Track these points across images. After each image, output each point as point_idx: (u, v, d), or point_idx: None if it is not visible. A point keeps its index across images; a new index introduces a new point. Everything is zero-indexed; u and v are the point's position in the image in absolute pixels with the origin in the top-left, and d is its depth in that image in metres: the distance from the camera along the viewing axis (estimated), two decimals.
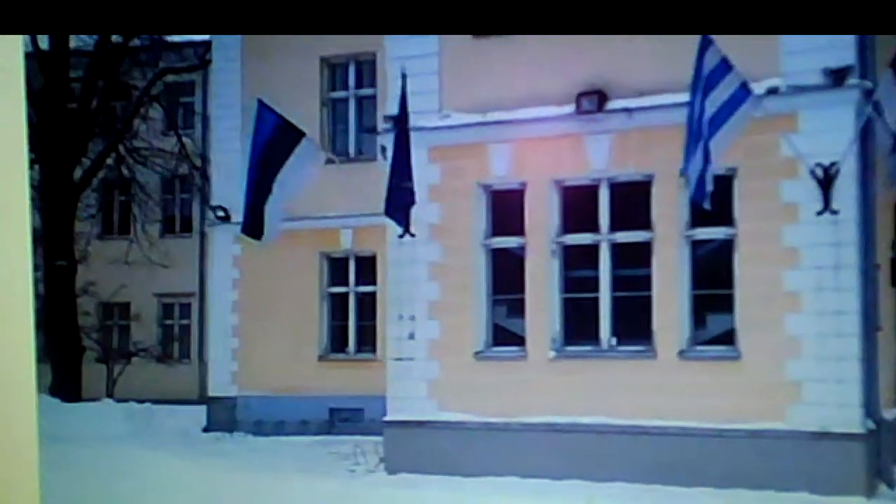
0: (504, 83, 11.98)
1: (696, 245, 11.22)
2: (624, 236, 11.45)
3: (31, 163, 24.13)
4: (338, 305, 19.20)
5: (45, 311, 23.56)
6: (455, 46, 12.22)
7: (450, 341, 12.10)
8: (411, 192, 11.08)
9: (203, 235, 30.61)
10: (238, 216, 19.75)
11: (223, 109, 20.14)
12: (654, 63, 11.15)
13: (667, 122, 10.94)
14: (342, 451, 15.50)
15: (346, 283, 19.16)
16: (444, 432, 11.98)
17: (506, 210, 12.07)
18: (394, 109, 12.47)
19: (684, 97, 10.47)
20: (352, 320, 19.07)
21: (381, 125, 12.94)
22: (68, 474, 13.51)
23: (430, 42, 12.28)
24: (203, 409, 22.34)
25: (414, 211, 12.05)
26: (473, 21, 3.21)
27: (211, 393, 19.73)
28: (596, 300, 11.49)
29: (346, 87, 19.52)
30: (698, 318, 11.18)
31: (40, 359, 24.65)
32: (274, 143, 11.76)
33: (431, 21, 3.12)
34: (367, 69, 19.41)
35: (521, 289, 11.94)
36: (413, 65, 12.15)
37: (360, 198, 18.81)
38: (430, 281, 12.25)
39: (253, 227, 11.96)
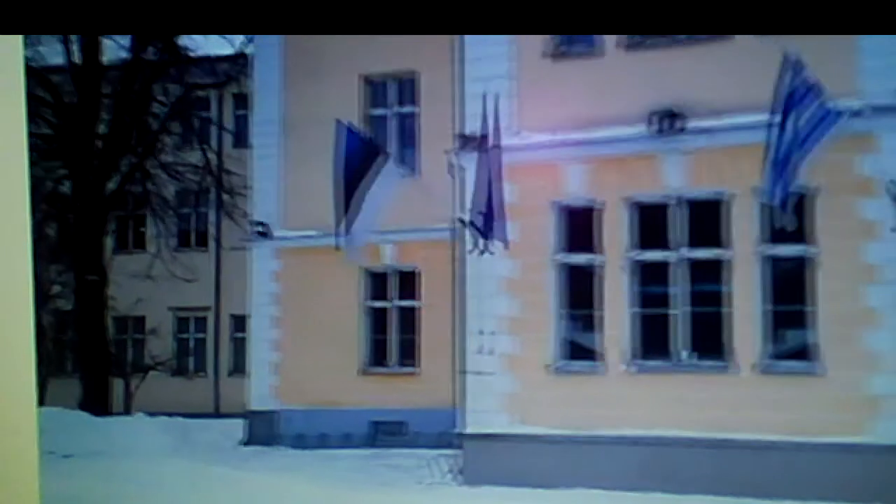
0: (580, 104, 12.17)
1: (772, 262, 11.42)
2: (699, 253, 11.65)
3: (63, 178, 24.17)
4: (378, 320, 19.29)
5: (76, 325, 23.52)
6: (531, 68, 12.42)
7: (526, 356, 12.24)
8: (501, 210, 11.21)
9: (219, 248, 30.68)
10: (277, 231, 19.99)
11: (264, 126, 20.21)
12: (731, 83, 11.37)
13: (743, 141, 11.16)
14: (402, 463, 15.56)
15: (386, 298, 19.25)
16: (523, 445, 12.10)
17: (579, 227, 12.24)
18: (468, 128, 12.64)
19: (761, 117, 10.72)
20: (392, 334, 19.16)
21: (454, 143, 13.02)
22: (128, 488, 13.53)
23: (505, 64, 12.47)
24: (233, 422, 22.40)
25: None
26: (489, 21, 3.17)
27: (250, 407, 19.72)
28: (670, 316, 11.67)
29: (386, 105, 19.66)
30: (776, 334, 11.37)
31: (70, 373, 24.59)
32: (354, 161, 11.88)
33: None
34: (407, 87, 19.57)
35: (593, 304, 12.11)
36: (489, 86, 12.34)
37: (402, 213, 18.95)
38: (506, 296, 12.39)
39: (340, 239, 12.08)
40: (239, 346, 31.39)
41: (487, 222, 11.35)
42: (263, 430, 19.43)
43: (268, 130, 20.14)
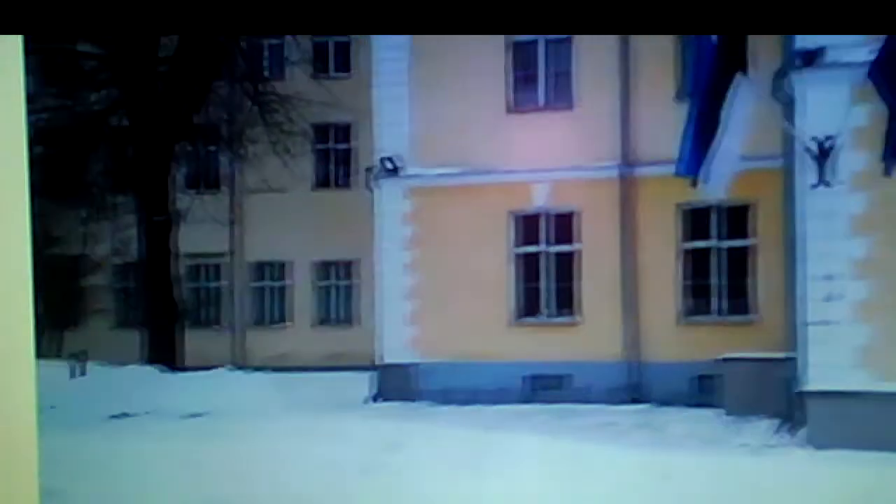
0: None
1: None
2: None
3: (114, 106, 20.56)
4: (529, 266, 17.01)
5: (144, 272, 20.22)
6: None
7: (882, 303, 10.38)
8: None
9: (234, 190, 27.21)
10: (408, 168, 17.34)
11: (388, 51, 17.40)
12: None
13: None
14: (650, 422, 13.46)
15: (537, 242, 16.97)
16: (881, 404, 10.28)
17: None
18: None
19: None
20: (545, 282, 16.92)
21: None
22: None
23: None
24: (321, 376, 19.83)
25: (833, 158, 10.29)
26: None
27: (386, 360, 17.15)
28: None
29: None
30: None
31: (136, 324, 21.18)
32: (713, 74, 9.65)
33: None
34: None
35: None
36: None
37: (555, 150, 16.67)
38: (855, 236, 10.46)
39: (691, 165, 9.83)
40: (257, 296, 28.23)
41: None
42: (397, 385, 16.93)
43: (394, 56, 17.35)
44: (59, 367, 19.76)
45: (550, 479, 9.59)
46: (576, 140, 16.52)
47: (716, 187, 10.00)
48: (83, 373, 18.91)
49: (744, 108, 9.75)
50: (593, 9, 2.96)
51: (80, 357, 19.06)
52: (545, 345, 16.49)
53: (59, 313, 24.62)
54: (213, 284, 27.92)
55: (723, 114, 9.74)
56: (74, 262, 24.88)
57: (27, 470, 1.93)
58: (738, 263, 16.23)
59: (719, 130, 9.68)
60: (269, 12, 2.65)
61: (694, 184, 10.04)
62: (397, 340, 17.00)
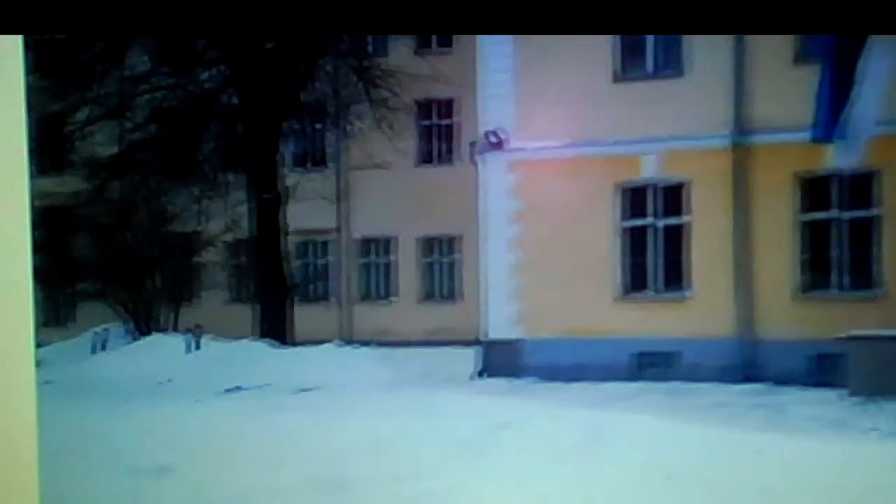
0: None
1: None
2: None
3: (224, 85, 20.84)
4: (636, 240, 16.48)
5: (256, 249, 20.51)
6: None
7: None
8: None
9: (339, 166, 27.26)
10: (512, 142, 16.99)
11: None
12: None
13: None
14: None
15: (644, 216, 16.41)
16: None
17: None
18: None
19: None
20: (653, 256, 16.36)
21: None
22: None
23: None
24: (441, 351, 19.60)
25: None
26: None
27: (491, 336, 16.94)
28: None
29: None
30: None
31: (248, 300, 21.51)
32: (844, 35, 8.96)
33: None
34: None
35: None
36: None
37: (665, 119, 16.06)
38: None
39: (827, 130, 9.21)
40: (364, 272, 28.21)
41: None
42: (503, 361, 16.68)
43: None
44: (176, 342, 20.30)
45: (662, 460, 9.17)
46: (686, 108, 15.87)
47: (851, 153, 9.33)
48: (198, 347, 19.31)
49: (880, 70, 9.05)
50: (703, 6, 2.97)
51: (195, 331, 19.45)
52: (653, 321, 15.97)
53: (175, 288, 25.34)
54: (320, 261, 28.20)
55: (856, 76, 9.07)
56: (188, 239, 25.39)
57: (27, 470, 1.92)
58: (862, 235, 15.32)
59: (853, 93, 9.01)
60: (376, 11, 2.64)
61: (833, 149, 9.39)
62: (502, 316, 16.74)
